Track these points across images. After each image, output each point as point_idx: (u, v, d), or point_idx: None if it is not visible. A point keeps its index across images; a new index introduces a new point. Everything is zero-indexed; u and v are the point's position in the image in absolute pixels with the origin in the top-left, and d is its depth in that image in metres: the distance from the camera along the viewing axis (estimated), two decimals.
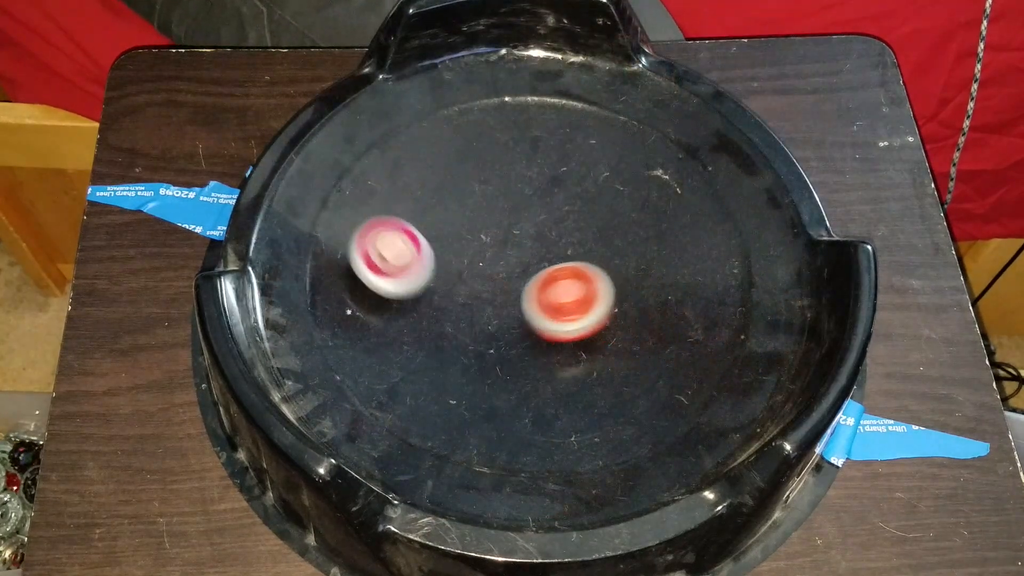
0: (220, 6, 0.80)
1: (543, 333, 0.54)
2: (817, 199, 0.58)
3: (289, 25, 0.79)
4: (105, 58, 0.92)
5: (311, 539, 0.52)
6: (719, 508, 0.47)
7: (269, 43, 0.81)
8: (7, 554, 1.15)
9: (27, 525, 1.12)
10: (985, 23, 0.87)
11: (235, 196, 0.58)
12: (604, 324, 0.55)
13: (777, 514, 0.53)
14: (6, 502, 1.16)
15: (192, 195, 0.63)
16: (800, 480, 0.53)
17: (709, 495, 0.47)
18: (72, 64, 0.97)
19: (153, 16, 0.87)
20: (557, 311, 0.54)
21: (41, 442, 1.21)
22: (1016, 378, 1.33)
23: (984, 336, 0.61)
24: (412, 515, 0.46)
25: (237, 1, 0.79)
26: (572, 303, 0.54)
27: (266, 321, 0.53)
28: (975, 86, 0.91)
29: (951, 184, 1.00)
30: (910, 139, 0.67)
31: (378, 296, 0.55)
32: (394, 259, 0.55)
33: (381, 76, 0.62)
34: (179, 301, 0.60)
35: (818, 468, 0.55)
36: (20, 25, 0.96)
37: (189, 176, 0.64)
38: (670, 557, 0.48)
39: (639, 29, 0.64)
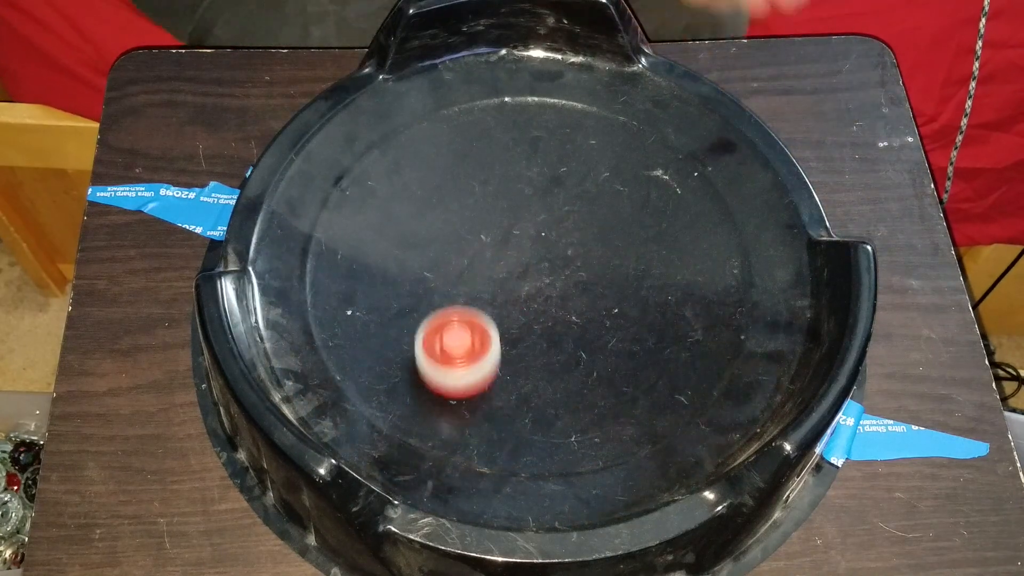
0: (283, 4, 0.79)
1: (432, 382, 0.52)
2: (817, 199, 0.58)
3: (352, 24, 0.79)
4: (110, 48, 0.92)
5: (311, 539, 0.52)
6: (719, 508, 0.47)
7: (335, 43, 0.80)
8: (7, 554, 1.15)
9: (27, 525, 1.12)
10: (984, 20, 0.87)
11: (235, 196, 0.58)
12: (491, 381, 0.52)
13: (777, 514, 0.53)
14: (6, 502, 1.16)
15: (192, 195, 0.63)
16: (800, 480, 0.53)
17: (709, 495, 0.47)
18: (77, 55, 0.96)
19: (191, 22, 0.85)
20: (447, 359, 0.51)
21: (41, 442, 1.21)
22: (1016, 378, 1.33)
23: (984, 336, 0.61)
24: (412, 515, 0.47)
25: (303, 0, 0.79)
26: (462, 353, 0.51)
27: (266, 321, 0.54)
28: (973, 84, 0.91)
29: (948, 183, 1.00)
30: (909, 139, 0.67)
31: (378, 296, 0.56)
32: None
33: (381, 76, 0.62)
34: (179, 301, 0.60)
35: (818, 468, 0.55)
36: (24, 15, 0.95)
37: (189, 176, 0.64)
38: (670, 557, 0.48)
39: (639, 29, 0.64)
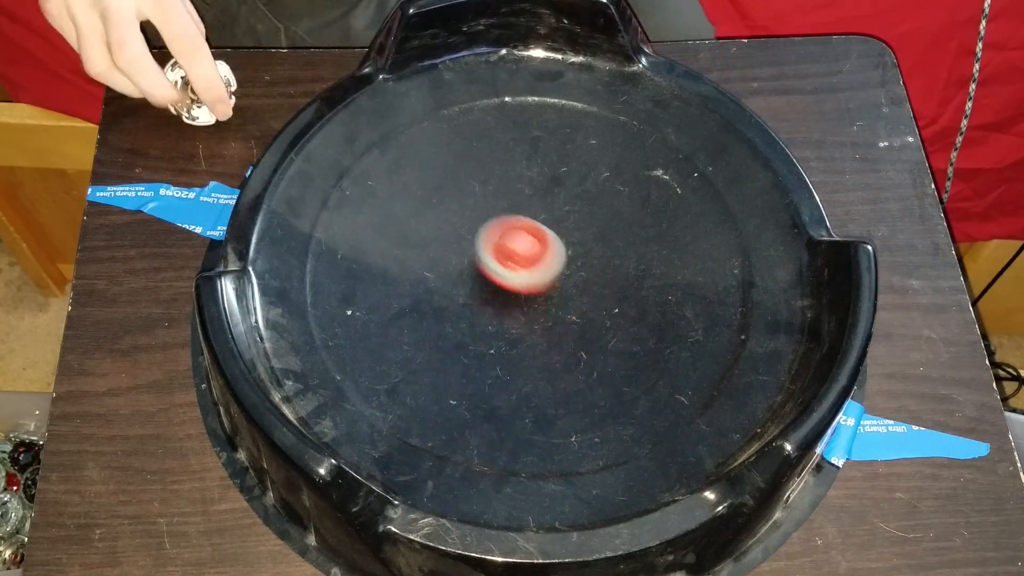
0: (233, 25, 0.81)
1: (493, 276, 0.56)
2: (817, 199, 0.58)
3: (304, 41, 0.80)
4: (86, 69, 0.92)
5: (311, 539, 0.52)
6: (719, 508, 0.47)
7: None
8: (7, 554, 1.15)
9: (27, 525, 1.12)
10: (984, 22, 0.87)
11: (235, 196, 0.58)
12: (552, 286, 0.57)
13: (777, 514, 0.53)
14: (6, 502, 1.17)
15: (192, 195, 0.63)
16: (800, 480, 0.53)
17: (709, 495, 0.47)
18: (72, 64, 0.97)
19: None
20: (510, 258, 0.56)
21: (41, 442, 1.21)
22: (1016, 378, 1.33)
23: (984, 336, 0.61)
24: (412, 515, 0.47)
25: (252, 19, 0.80)
26: (525, 256, 0.56)
27: (266, 321, 0.53)
28: (973, 85, 0.91)
29: (948, 183, 1.00)
30: (910, 139, 0.67)
31: (378, 296, 0.55)
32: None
33: (381, 76, 0.62)
34: (179, 301, 0.60)
35: (818, 468, 0.55)
36: (19, 24, 0.96)
37: (189, 176, 0.64)
38: (670, 557, 0.48)
39: (639, 29, 0.64)
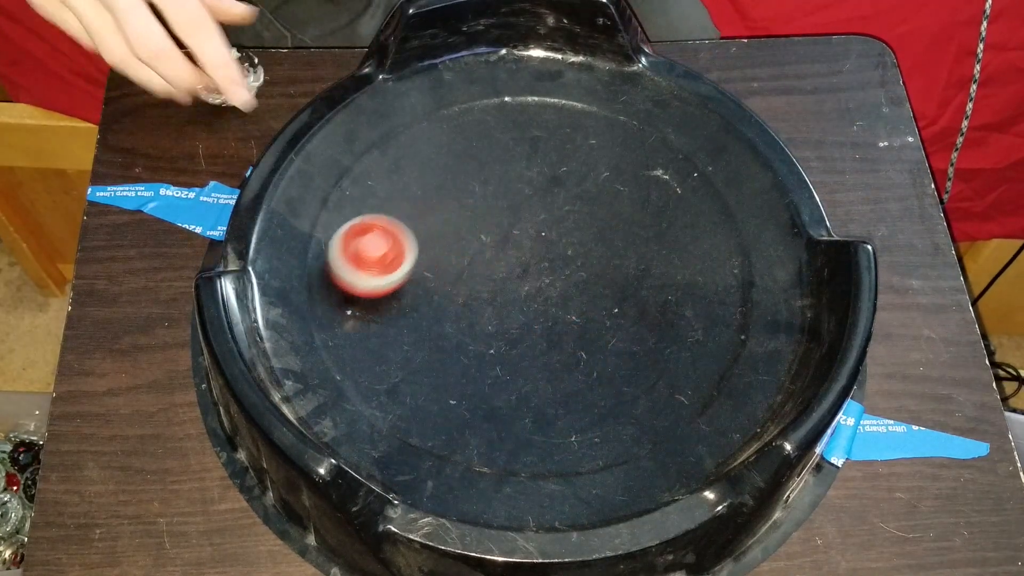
0: (239, 32, 0.81)
1: (345, 284, 0.54)
2: (817, 199, 0.58)
3: (308, 48, 0.80)
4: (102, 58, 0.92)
5: (311, 539, 0.52)
6: (719, 508, 0.47)
7: None
8: (7, 554, 1.15)
9: (27, 525, 1.12)
10: (985, 23, 0.87)
11: (235, 196, 0.58)
12: (403, 283, 0.55)
13: (777, 514, 0.53)
14: (6, 502, 1.17)
15: (192, 195, 0.63)
16: (800, 480, 0.53)
17: (709, 495, 0.47)
18: (71, 65, 0.97)
19: None
20: (362, 263, 0.54)
21: (41, 442, 1.21)
22: (1016, 378, 1.33)
23: (984, 336, 0.61)
24: (412, 515, 0.47)
25: (259, 26, 0.79)
26: (378, 258, 0.54)
27: (266, 321, 0.53)
28: (974, 86, 0.91)
29: (948, 185, 1.00)
30: (910, 139, 0.67)
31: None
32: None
33: (381, 76, 0.62)
34: (179, 301, 0.60)
35: (818, 468, 0.55)
36: (19, 24, 0.96)
37: (189, 176, 0.64)
38: (670, 557, 0.48)
39: (639, 29, 0.64)
